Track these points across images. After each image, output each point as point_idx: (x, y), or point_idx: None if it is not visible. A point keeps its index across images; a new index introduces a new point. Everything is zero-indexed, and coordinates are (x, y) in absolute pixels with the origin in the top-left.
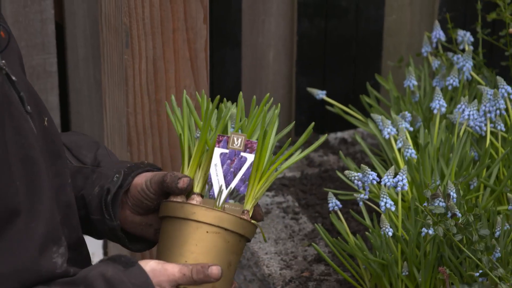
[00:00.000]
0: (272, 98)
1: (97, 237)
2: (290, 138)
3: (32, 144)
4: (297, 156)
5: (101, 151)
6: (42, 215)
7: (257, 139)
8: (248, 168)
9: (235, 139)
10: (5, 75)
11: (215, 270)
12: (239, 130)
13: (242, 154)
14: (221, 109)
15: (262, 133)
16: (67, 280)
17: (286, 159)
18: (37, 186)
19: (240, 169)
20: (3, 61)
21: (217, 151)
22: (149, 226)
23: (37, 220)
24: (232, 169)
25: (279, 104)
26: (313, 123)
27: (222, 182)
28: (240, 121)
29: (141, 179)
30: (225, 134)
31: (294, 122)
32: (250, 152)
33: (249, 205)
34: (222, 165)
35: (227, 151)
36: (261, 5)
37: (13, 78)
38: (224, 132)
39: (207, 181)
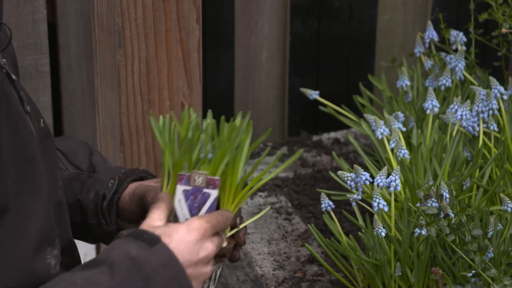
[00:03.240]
0: (241, 112)
1: (92, 241)
2: (269, 147)
3: (29, 144)
4: (269, 175)
5: (95, 156)
6: (37, 215)
7: (220, 176)
8: (212, 203)
9: (196, 177)
10: (5, 73)
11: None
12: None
13: (205, 190)
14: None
15: (231, 159)
16: (88, 262)
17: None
18: (33, 185)
19: (204, 204)
20: (4, 60)
21: (180, 188)
22: None
23: (29, 219)
24: (196, 204)
25: (251, 122)
26: (301, 150)
27: (188, 216)
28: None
29: (131, 188)
30: (185, 173)
31: (271, 128)
32: (213, 189)
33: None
34: (186, 200)
35: (189, 188)
36: (254, 5)
37: (13, 77)
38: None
39: (173, 215)
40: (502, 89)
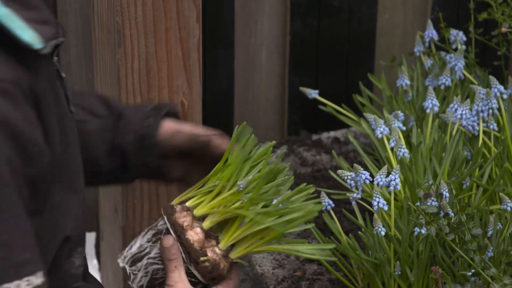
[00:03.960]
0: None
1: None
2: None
3: (72, 143)
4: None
5: (113, 102)
6: (73, 214)
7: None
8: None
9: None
10: (56, 70)
11: None
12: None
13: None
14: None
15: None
16: None
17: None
18: (72, 185)
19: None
20: (56, 58)
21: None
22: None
23: (66, 218)
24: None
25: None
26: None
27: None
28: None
29: (169, 127)
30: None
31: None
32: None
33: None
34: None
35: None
36: (254, 4)
37: (63, 75)
38: None
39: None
40: (502, 88)
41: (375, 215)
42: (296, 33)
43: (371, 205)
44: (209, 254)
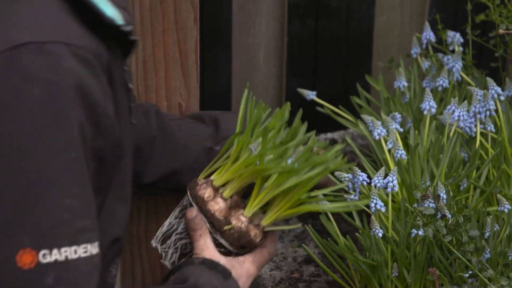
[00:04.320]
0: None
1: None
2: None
3: (128, 151)
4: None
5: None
6: (121, 224)
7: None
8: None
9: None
10: (125, 80)
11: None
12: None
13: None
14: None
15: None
16: (175, 286)
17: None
18: (124, 195)
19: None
20: (127, 67)
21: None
22: None
23: (115, 227)
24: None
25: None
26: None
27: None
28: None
29: None
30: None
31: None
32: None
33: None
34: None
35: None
36: (252, 6)
37: (130, 86)
38: None
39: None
40: (499, 89)
41: (373, 217)
42: (293, 34)
43: (368, 207)
44: (234, 222)
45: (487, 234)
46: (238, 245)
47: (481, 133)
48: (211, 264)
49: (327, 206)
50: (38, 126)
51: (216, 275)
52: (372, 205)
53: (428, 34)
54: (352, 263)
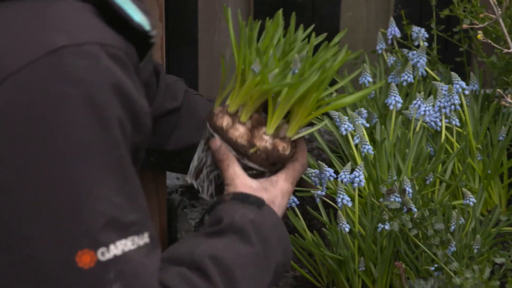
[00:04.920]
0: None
1: None
2: None
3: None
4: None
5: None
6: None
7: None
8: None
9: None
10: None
11: None
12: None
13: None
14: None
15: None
16: (213, 230)
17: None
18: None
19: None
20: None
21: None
22: None
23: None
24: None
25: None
26: None
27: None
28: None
29: None
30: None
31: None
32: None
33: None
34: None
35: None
36: (217, 2)
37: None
38: None
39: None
40: (463, 84)
41: (339, 212)
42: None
43: (335, 202)
44: (258, 143)
45: (453, 227)
46: (269, 163)
47: (447, 128)
48: (243, 197)
49: (346, 99)
50: (83, 128)
51: (250, 207)
52: (339, 200)
53: (393, 30)
54: (319, 258)
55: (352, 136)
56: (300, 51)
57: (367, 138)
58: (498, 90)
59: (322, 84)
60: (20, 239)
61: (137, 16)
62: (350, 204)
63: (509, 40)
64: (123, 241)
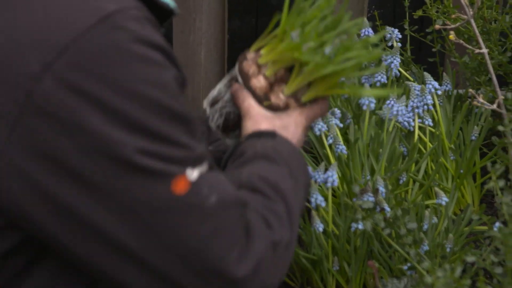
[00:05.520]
0: None
1: None
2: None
3: None
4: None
5: None
6: None
7: None
8: None
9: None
10: None
11: None
12: None
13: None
14: None
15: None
16: (240, 161)
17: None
18: None
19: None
20: None
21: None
22: None
23: None
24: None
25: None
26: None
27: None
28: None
29: None
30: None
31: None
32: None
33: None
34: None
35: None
36: (192, 3)
37: None
38: None
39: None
40: (436, 84)
41: (313, 212)
42: (234, 32)
43: (309, 201)
44: (272, 99)
45: (426, 226)
46: None
47: (420, 127)
48: (257, 134)
49: (367, 91)
50: (151, 86)
51: (266, 139)
52: (312, 200)
53: (367, 31)
54: (293, 257)
55: (326, 136)
56: (340, 33)
57: (340, 139)
58: (470, 90)
59: (347, 71)
60: (116, 191)
61: None
62: (323, 204)
63: (480, 40)
64: (197, 167)
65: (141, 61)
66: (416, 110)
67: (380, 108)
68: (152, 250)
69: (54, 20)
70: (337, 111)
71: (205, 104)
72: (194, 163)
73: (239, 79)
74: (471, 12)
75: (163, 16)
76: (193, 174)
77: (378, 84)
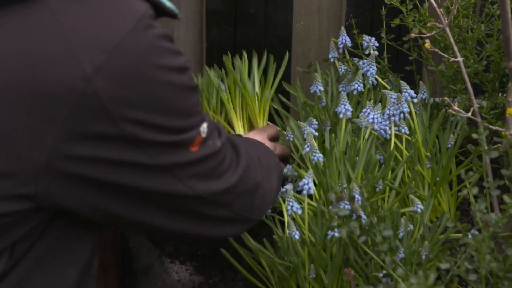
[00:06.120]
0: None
1: None
2: None
3: None
4: None
5: None
6: None
7: None
8: None
9: None
10: None
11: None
12: None
13: None
14: None
15: None
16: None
17: None
18: None
19: None
20: None
21: None
22: None
23: None
24: None
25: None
26: None
27: None
28: None
29: None
30: None
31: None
32: None
33: None
34: None
35: None
36: None
37: None
38: None
39: None
40: (412, 92)
41: (289, 219)
42: (212, 40)
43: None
44: None
45: (401, 234)
46: None
47: (396, 135)
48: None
49: None
50: (182, 71)
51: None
52: (288, 207)
53: (344, 39)
54: (269, 265)
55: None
56: None
57: (316, 147)
58: (445, 98)
59: None
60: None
61: (168, 3)
62: (299, 212)
63: (455, 48)
64: (203, 124)
65: (170, 53)
66: (393, 118)
67: (358, 116)
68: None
69: (98, 24)
70: (314, 122)
71: None
72: (203, 121)
73: None
74: (446, 21)
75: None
76: (203, 126)
77: (355, 92)
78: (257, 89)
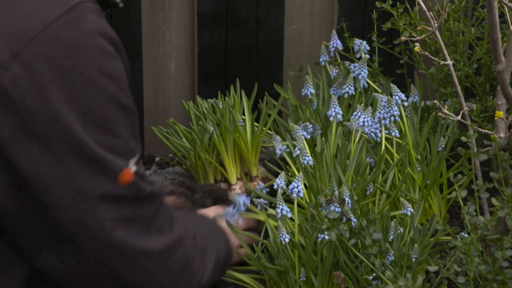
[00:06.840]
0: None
1: None
2: None
3: None
4: None
5: None
6: None
7: None
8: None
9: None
10: None
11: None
12: None
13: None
14: None
15: None
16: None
17: None
18: None
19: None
20: None
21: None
22: None
23: None
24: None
25: None
26: None
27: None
28: None
29: None
30: None
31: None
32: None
33: None
34: None
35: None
36: (161, 15)
37: None
38: None
39: None
40: (402, 96)
41: (279, 222)
42: (204, 44)
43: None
44: None
45: (391, 237)
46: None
47: (386, 138)
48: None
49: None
50: (103, 76)
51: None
52: (278, 211)
53: (335, 43)
54: (260, 269)
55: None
56: None
57: (308, 150)
58: (435, 101)
59: None
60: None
61: None
62: (289, 215)
63: (445, 52)
64: (132, 159)
65: (100, 53)
66: (383, 121)
67: (349, 120)
68: None
69: (22, 12)
70: (309, 125)
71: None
72: (133, 154)
73: None
74: (436, 24)
75: (104, 7)
76: (131, 162)
77: (346, 95)
78: (248, 134)
